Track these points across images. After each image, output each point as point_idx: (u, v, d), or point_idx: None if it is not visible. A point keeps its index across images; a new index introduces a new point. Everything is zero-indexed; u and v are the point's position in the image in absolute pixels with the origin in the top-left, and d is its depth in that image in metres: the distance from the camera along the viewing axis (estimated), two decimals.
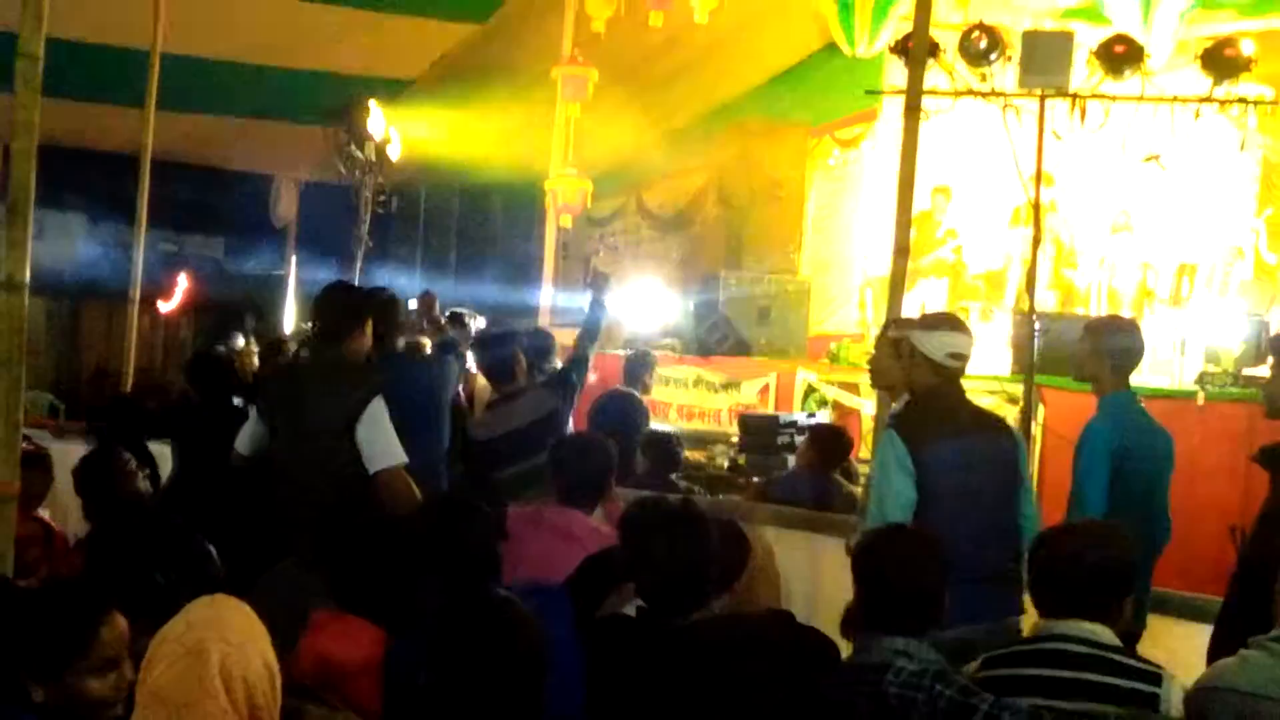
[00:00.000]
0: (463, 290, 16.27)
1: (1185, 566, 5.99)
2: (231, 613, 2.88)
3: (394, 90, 13.11)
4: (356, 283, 12.71)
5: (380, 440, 5.11)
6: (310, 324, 5.86)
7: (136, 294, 9.85)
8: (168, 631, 2.81)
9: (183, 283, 15.92)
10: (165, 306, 15.85)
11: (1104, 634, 3.49)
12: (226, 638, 2.78)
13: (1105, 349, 5.45)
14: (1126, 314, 10.94)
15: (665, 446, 7.92)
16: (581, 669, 3.52)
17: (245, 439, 5.56)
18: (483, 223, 17.81)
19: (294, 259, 17.41)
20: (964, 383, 5.03)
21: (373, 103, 12.97)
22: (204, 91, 12.23)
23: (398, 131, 13.27)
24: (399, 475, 5.10)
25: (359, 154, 13.03)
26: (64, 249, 15.60)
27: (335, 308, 5.48)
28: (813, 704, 3.34)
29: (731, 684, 3.20)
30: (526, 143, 13.59)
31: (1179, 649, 4.75)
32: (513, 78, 12.97)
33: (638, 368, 8.94)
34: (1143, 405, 5.56)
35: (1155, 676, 3.41)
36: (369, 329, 5.50)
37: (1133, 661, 3.46)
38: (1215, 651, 4.20)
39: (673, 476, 7.80)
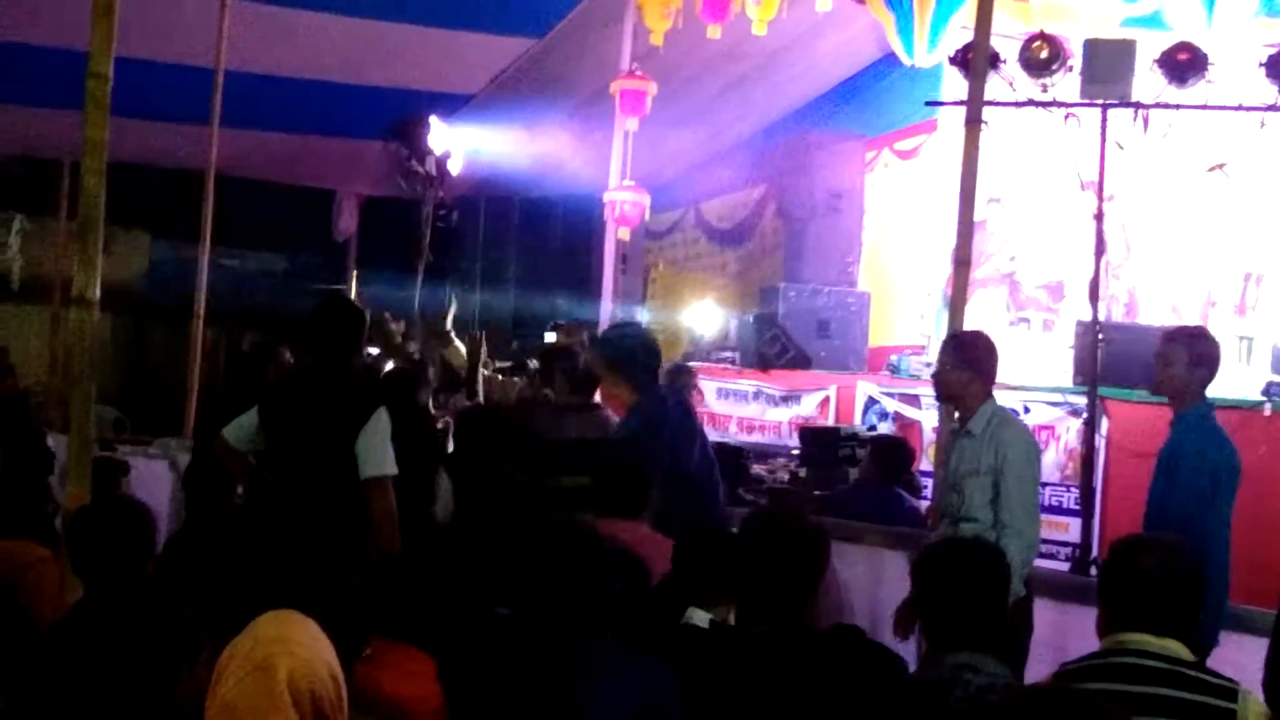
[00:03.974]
0: (522, 303, 16.32)
1: (1251, 581, 5.90)
2: (297, 627, 2.90)
3: (454, 105, 13.17)
4: (417, 299, 12.82)
5: (377, 449, 5.26)
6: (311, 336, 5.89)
7: (201, 309, 9.96)
8: (236, 647, 2.83)
9: None
10: None
11: (1177, 649, 3.43)
12: (294, 651, 2.80)
13: (1198, 359, 5.33)
14: (1191, 324, 10.82)
15: (732, 461, 7.89)
16: None
17: (235, 430, 5.61)
18: (542, 236, 17.82)
19: (355, 274, 17.51)
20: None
21: (433, 118, 13.03)
22: (266, 108, 12.33)
23: (458, 146, 13.33)
24: (383, 486, 5.22)
25: (419, 169, 13.09)
26: (129, 265, 15.77)
27: (346, 323, 5.65)
28: None
29: (800, 699, 3.19)
30: (585, 156, 13.61)
31: (1248, 664, 4.68)
32: (571, 91, 13.00)
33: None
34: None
35: (1231, 692, 3.34)
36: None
37: (1207, 676, 3.38)
38: (1274, 665, 4.12)
39: (739, 490, 7.79)
